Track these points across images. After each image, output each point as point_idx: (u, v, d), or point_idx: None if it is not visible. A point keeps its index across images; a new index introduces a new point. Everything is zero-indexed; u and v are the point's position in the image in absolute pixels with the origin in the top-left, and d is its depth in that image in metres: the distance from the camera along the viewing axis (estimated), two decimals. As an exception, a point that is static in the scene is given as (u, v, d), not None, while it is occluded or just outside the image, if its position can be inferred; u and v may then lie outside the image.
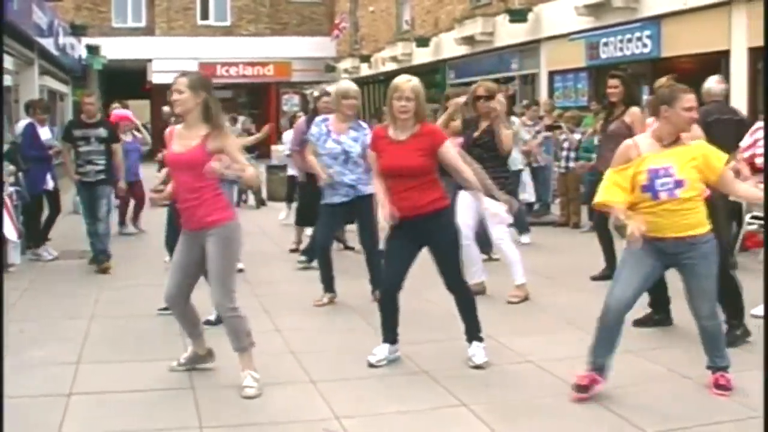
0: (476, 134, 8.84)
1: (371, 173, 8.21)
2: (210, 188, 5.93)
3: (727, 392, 5.76)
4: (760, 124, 8.11)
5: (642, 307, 7.71)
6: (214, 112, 5.90)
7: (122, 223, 14.37)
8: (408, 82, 6.40)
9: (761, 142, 7.94)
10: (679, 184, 5.50)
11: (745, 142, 8.20)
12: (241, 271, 10.22)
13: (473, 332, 6.62)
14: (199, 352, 6.44)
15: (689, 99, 5.69)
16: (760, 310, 8.08)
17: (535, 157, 15.29)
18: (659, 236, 5.60)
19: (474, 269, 9.15)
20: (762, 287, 7.89)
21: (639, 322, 7.67)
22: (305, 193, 11.49)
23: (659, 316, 7.79)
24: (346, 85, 8.83)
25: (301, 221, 12.15)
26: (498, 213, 7.39)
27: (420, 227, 6.36)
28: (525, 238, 12.55)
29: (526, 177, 15.10)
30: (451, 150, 6.50)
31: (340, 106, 8.59)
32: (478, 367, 6.41)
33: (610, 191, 5.69)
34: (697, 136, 6.79)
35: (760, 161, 7.94)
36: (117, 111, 14.39)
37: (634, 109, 8.85)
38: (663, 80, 6.81)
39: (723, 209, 7.21)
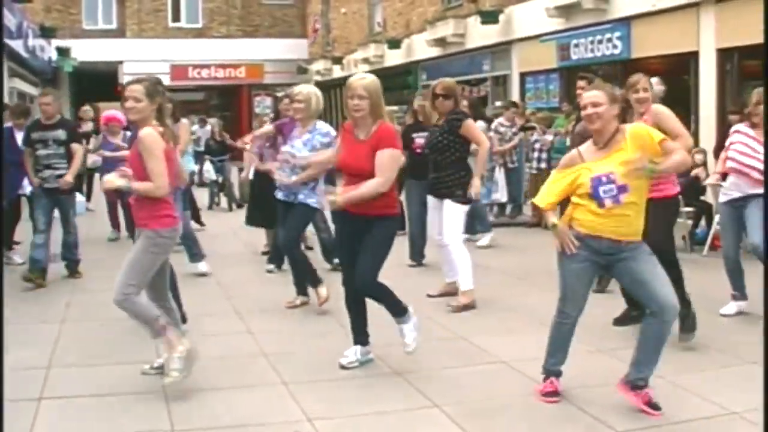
0: (431, 138, 8.89)
1: (317, 184, 8.28)
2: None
3: (659, 411, 5.51)
4: (737, 126, 8.14)
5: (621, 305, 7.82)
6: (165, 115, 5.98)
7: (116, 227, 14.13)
8: (361, 80, 6.38)
9: (734, 145, 7.97)
10: (622, 189, 5.42)
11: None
12: (204, 275, 10.22)
13: (396, 313, 6.56)
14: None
15: (593, 95, 5.58)
16: (729, 309, 8.15)
17: (510, 158, 15.33)
18: (596, 235, 5.52)
19: (446, 269, 9.19)
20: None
21: (618, 321, 7.73)
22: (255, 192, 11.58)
23: (636, 312, 7.81)
24: (295, 89, 8.75)
25: (249, 221, 12.18)
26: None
27: (360, 224, 6.32)
28: (484, 240, 12.54)
29: (499, 177, 15.17)
30: (385, 157, 6.23)
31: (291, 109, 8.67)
32: (409, 353, 6.52)
33: (544, 194, 5.75)
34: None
35: (729, 164, 8.00)
36: (107, 112, 14.11)
37: None
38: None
39: (663, 209, 7.22)
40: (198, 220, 15.02)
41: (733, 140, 8.03)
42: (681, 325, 7.08)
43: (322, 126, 8.40)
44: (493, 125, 15.40)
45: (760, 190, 7.70)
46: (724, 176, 8.60)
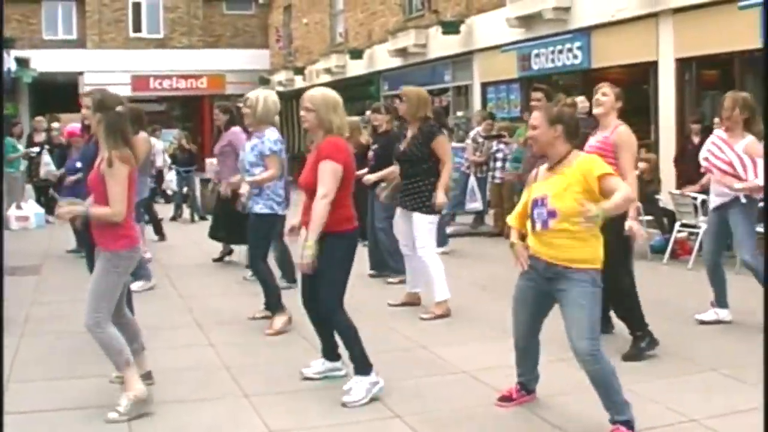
0: (402, 147, 8.89)
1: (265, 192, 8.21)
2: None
3: None
4: (718, 132, 8.20)
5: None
6: (110, 133, 5.73)
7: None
8: (309, 92, 6.37)
9: (708, 146, 8.05)
10: (551, 214, 5.24)
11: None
12: (152, 287, 10.14)
13: (354, 364, 6.21)
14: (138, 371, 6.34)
15: (532, 117, 5.54)
16: (707, 316, 8.22)
17: (480, 168, 15.41)
18: (536, 256, 5.42)
19: (408, 279, 9.22)
20: (700, 295, 8.09)
21: None
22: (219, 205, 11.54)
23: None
24: (247, 94, 8.69)
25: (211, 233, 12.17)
26: None
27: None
28: (438, 249, 12.55)
29: (474, 186, 15.25)
30: (321, 170, 6.10)
31: None
32: (343, 404, 5.97)
33: (514, 212, 5.75)
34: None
35: (702, 163, 8.08)
36: (70, 126, 13.89)
37: None
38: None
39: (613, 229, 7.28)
40: (159, 232, 14.97)
41: (708, 145, 8.15)
42: (632, 345, 7.13)
43: (272, 133, 8.24)
44: (471, 134, 15.47)
45: (737, 192, 7.81)
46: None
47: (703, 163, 8.11)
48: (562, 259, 5.27)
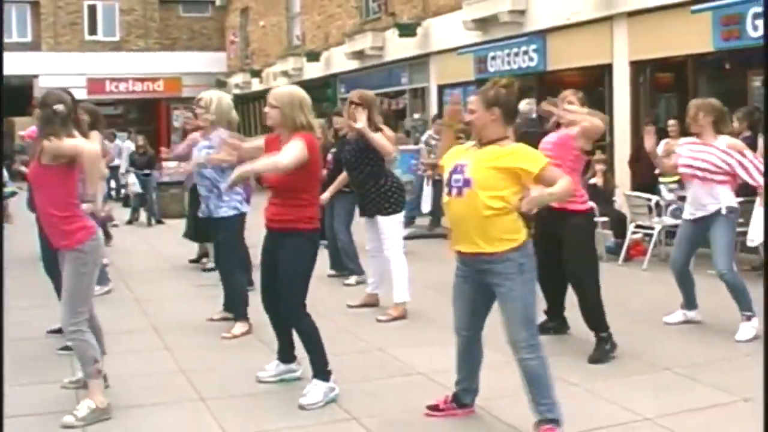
0: (345, 155, 8.93)
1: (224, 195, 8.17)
2: (56, 210, 5.68)
3: None
4: (689, 140, 8.24)
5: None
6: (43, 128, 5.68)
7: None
8: (275, 90, 6.36)
9: (684, 153, 8.09)
10: (466, 182, 5.09)
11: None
12: (108, 291, 10.07)
13: (313, 368, 6.18)
14: None
15: (469, 101, 5.39)
16: (674, 318, 8.29)
17: (436, 170, 15.42)
18: (457, 249, 5.37)
19: (371, 281, 9.24)
20: (655, 295, 8.14)
21: None
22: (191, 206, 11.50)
23: (554, 323, 7.92)
24: (201, 94, 8.64)
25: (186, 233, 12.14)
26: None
27: (272, 241, 6.24)
28: None
29: (427, 189, 15.31)
30: (295, 145, 5.98)
31: None
32: (301, 407, 5.93)
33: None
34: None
35: (682, 170, 8.09)
36: (31, 129, 13.80)
37: None
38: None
39: (576, 230, 7.35)
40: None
41: (681, 152, 8.15)
42: (596, 348, 7.19)
43: (222, 132, 8.11)
44: (423, 138, 15.49)
45: (718, 204, 7.79)
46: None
47: (684, 170, 8.03)
48: (483, 245, 5.13)
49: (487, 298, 5.38)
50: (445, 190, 5.32)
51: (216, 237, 8.36)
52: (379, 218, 8.78)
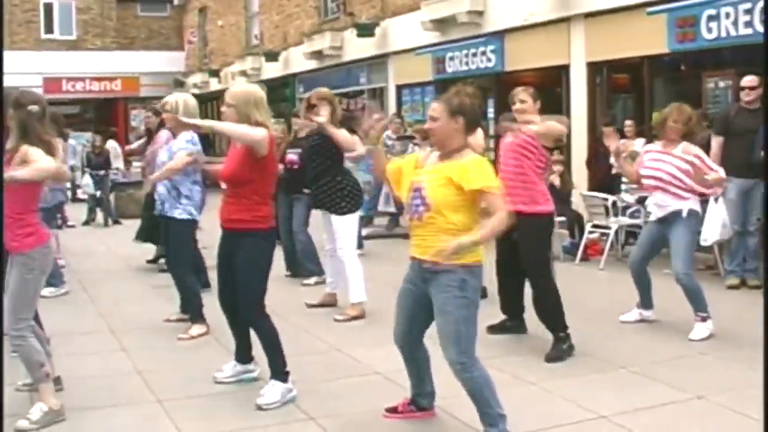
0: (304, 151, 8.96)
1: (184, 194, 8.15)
2: (12, 211, 5.59)
3: None
4: (650, 146, 8.29)
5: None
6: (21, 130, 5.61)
7: None
8: (231, 89, 6.35)
9: (648, 162, 8.13)
10: (426, 206, 5.01)
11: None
12: (65, 293, 9.99)
13: (271, 368, 6.16)
14: None
15: (431, 108, 5.25)
16: (630, 316, 8.35)
17: None
18: (412, 255, 5.27)
19: (330, 280, 9.24)
20: (612, 295, 8.19)
21: (492, 329, 7.84)
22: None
23: (512, 323, 7.96)
24: (166, 98, 8.60)
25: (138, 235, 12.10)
26: None
27: (228, 242, 6.24)
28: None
29: (386, 188, 15.31)
30: (254, 129, 6.03)
31: None
32: (258, 407, 5.93)
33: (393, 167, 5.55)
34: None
35: (647, 182, 8.11)
36: None
37: None
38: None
39: (536, 230, 7.41)
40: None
41: (645, 161, 8.19)
42: (554, 347, 7.24)
43: (186, 134, 8.06)
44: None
45: (681, 205, 7.82)
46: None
47: (648, 182, 8.05)
48: (430, 255, 4.99)
49: (427, 307, 5.21)
50: (406, 211, 5.27)
51: (167, 238, 8.31)
52: (333, 217, 8.77)
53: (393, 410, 5.75)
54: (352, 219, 8.87)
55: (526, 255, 7.40)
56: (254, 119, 6.09)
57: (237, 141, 6.15)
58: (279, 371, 6.11)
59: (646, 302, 8.32)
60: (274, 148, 6.28)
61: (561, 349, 7.20)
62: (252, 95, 6.21)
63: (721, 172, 7.92)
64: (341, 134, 8.65)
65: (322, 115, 8.58)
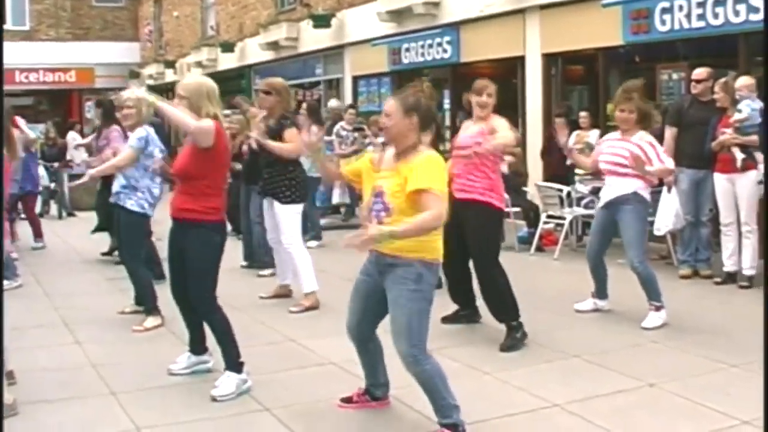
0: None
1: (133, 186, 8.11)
2: None
3: None
4: (609, 135, 8.32)
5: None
6: None
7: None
8: (183, 80, 6.34)
9: (605, 150, 8.20)
10: (388, 211, 4.99)
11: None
12: (19, 286, 9.91)
13: (225, 360, 6.15)
14: None
15: (386, 104, 5.21)
16: (584, 306, 8.41)
17: (350, 161, 15.45)
18: (371, 248, 5.18)
19: (280, 271, 9.24)
20: (566, 284, 8.24)
21: (446, 319, 7.88)
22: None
23: (465, 312, 8.00)
24: (123, 94, 8.51)
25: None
26: None
27: (178, 232, 6.22)
28: (310, 244, 12.64)
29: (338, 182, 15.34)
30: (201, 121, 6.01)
31: None
32: (213, 398, 5.90)
33: (351, 167, 5.62)
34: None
35: (602, 166, 8.17)
36: None
37: None
38: None
39: (486, 220, 7.47)
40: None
41: (601, 149, 8.26)
42: (508, 336, 7.30)
43: (140, 131, 8.04)
44: (335, 129, 15.49)
45: (628, 188, 7.86)
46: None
47: (604, 166, 8.10)
48: (393, 247, 4.98)
49: (381, 299, 5.20)
50: (366, 214, 5.21)
51: (119, 228, 8.26)
52: (276, 206, 8.75)
53: (348, 400, 5.77)
54: (296, 210, 8.83)
55: (475, 246, 7.44)
56: (206, 111, 6.07)
57: (178, 127, 6.13)
58: (233, 362, 6.10)
59: (601, 292, 8.39)
60: (225, 140, 6.25)
61: (515, 338, 7.25)
62: (204, 87, 6.18)
63: (669, 164, 7.99)
64: (277, 147, 8.63)
65: (254, 133, 8.75)
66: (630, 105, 7.90)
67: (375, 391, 5.75)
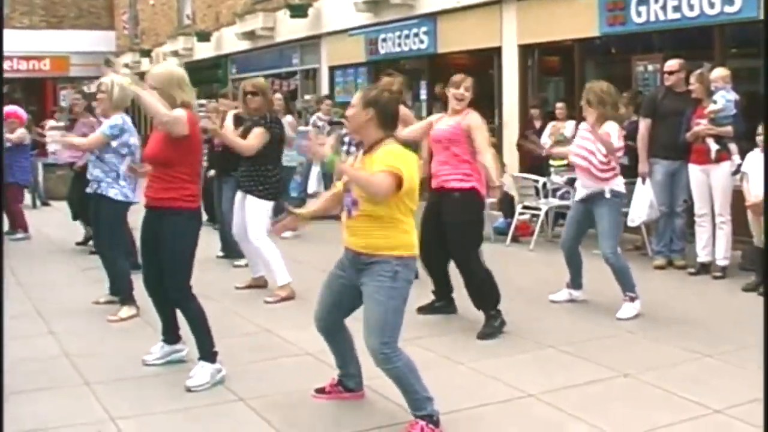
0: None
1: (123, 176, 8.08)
2: None
3: None
4: (583, 125, 8.32)
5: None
6: None
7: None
8: (153, 69, 6.32)
9: (576, 141, 8.20)
10: (354, 203, 5.09)
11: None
12: None
13: (199, 350, 6.14)
14: None
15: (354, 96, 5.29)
16: (559, 296, 8.44)
17: None
18: (346, 246, 5.29)
19: (252, 263, 9.22)
20: (541, 275, 8.24)
21: (422, 310, 7.89)
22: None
23: (441, 303, 8.01)
24: (101, 79, 8.48)
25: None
26: None
27: (152, 220, 6.18)
28: (287, 233, 12.64)
29: (314, 171, 15.38)
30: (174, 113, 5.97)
31: None
32: (188, 389, 5.91)
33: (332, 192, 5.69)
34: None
35: (573, 158, 8.21)
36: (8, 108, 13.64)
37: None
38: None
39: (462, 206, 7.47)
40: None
41: (576, 139, 8.28)
42: (486, 324, 7.32)
43: (116, 118, 8.00)
44: (311, 120, 15.45)
45: (603, 187, 7.88)
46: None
47: (574, 159, 8.13)
48: (365, 246, 5.09)
49: (353, 296, 5.26)
50: (343, 209, 5.29)
51: (98, 218, 8.22)
52: (249, 198, 8.73)
53: (321, 390, 5.77)
54: (266, 206, 8.80)
55: (455, 232, 7.44)
56: (179, 99, 6.06)
57: (151, 116, 6.10)
58: (207, 352, 6.09)
59: (576, 282, 8.42)
60: (198, 128, 6.24)
61: (493, 326, 7.29)
62: (174, 75, 6.16)
63: (616, 144, 7.91)
64: (232, 140, 8.70)
65: (214, 123, 8.75)
66: (593, 97, 7.95)
67: (347, 383, 5.75)
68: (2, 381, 5.30)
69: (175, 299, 6.19)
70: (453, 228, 7.42)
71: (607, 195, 7.88)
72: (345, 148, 14.84)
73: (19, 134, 13.32)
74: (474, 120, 7.50)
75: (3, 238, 9.54)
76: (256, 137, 8.64)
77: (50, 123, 22.19)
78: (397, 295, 5.07)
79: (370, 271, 5.08)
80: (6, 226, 12.83)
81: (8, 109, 13.58)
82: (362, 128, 5.15)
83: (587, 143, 7.92)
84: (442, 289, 8.03)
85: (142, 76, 23.10)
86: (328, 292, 5.44)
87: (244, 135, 8.76)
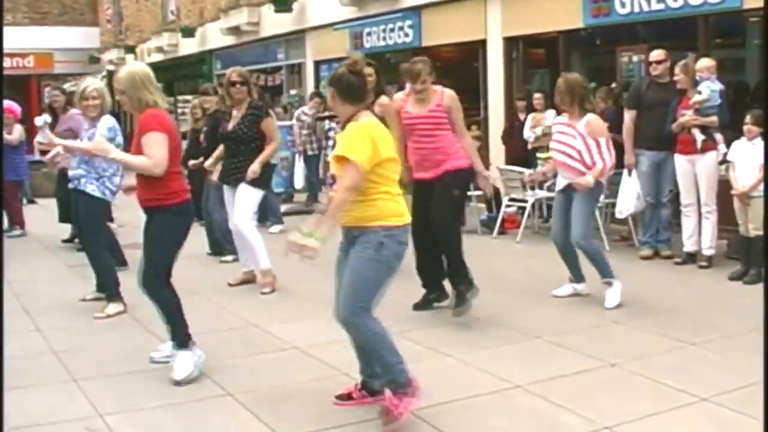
0: (230, 126, 8.86)
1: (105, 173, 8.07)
2: None
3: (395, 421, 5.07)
4: (559, 119, 8.32)
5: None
6: None
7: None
8: (117, 73, 6.25)
9: (559, 140, 8.19)
10: (333, 178, 5.17)
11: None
12: None
13: (174, 339, 6.17)
14: None
15: None
16: (563, 291, 8.42)
17: (311, 146, 15.52)
18: (340, 224, 5.23)
19: (244, 257, 9.21)
20: (528, 267, 8.26)
21: (417, 307, 7.88)
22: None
23: (434, 294, 7.98)
24: (88, 87, 8.39)
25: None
26: None
27: (147, 221, 6.19)
28: (274, 229, 12.68)
29: (299, 166, 15.40)
30: (150, 140, 5.96)
31: None
32: (176, 383, 5.92)
33: None
34: None
35: (553, 154, 8.23)
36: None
37: (383, 99, 8.58)
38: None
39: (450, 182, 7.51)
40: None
41: (554, 134, 8.27)
42: (456, 300, 7.35)
43: (107, 120, 8.03)
44: (296, 114, 15.43)
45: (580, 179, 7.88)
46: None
47: (553, 154, 8.17)
48: (353, 219, 5.11)
49: None
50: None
51: (78, 214, 8.21)
52: (241, 185, 8.72)
53: (345, 397, 5.53)
54: (257, 194, 8.83)
55: (438, 205, 7.47)
56: (146, 100, 6.04)
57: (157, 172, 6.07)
58: (180, 341, 6.10)
59: (576, 276, 8.37)
60: (171, 125, 6.22)
61: (464, 299, 7.34)
62: (136, 75, 6.10)
63: (607, 161, 7.93)
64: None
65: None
66: (562, 91, 7.99)
67: (372, 383, 5.48)
68: (2, 375, 5.31)
69: (145, 287, 6.13)
70: (446, 198, 7.44)
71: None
72: (330, 142, 14.91)
73: (18, 134, 13.28)
74: (453, 99, 7.59)
75: (3, 238, 9.52)
76: (271, 125, 8.83)
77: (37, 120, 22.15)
78: (379, 268, 5.08)
79: (357, 243, 5.13)
80: (5, 224, 12.79)
81: (7, 104, 13.47)
82: (334, 109, 5.33)
83: (569, 139, 7.90)
84: (434, 280, 7.93)
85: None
86: (338, 279, 5.38)
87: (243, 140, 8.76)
